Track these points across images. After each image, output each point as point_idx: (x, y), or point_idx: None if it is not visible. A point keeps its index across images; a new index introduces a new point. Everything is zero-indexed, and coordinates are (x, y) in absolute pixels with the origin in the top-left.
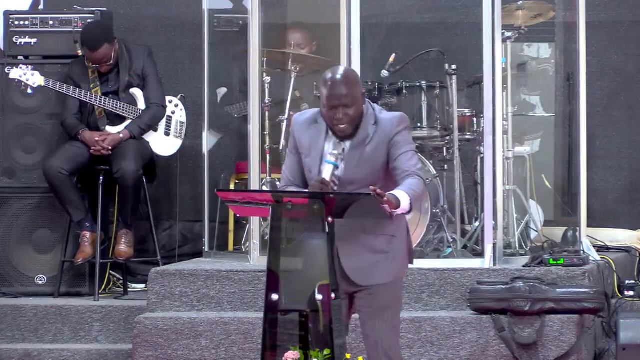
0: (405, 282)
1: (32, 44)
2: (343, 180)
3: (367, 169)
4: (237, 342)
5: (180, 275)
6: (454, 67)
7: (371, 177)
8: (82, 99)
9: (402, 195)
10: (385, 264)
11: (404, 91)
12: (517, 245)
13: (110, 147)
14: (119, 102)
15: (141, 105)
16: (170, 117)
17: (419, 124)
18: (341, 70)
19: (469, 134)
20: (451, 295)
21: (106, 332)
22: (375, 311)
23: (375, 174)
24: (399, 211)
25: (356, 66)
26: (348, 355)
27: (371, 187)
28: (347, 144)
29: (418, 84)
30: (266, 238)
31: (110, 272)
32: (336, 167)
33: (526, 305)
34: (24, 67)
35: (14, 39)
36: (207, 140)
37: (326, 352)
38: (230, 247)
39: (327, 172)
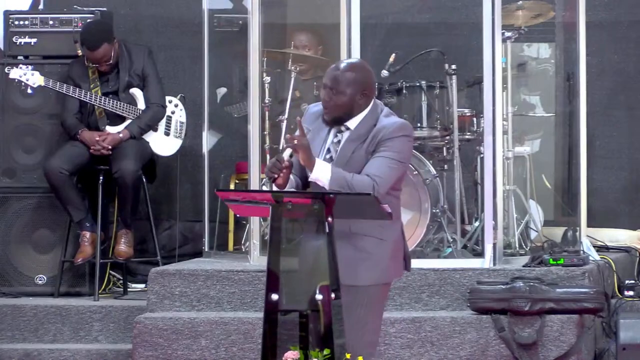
0: (405, 282)
1: (32, 43)
2: None
3: (355, 168)
4: (237, 342)
5: (180, 275)
6: (454, 67)
7: None
8: (82, 98)
9: (324, 164)
10: (365, 266)
11: (404, 91)
12: (517, 245)
13: (110, 147)
14: (118, 102)
15: (141, 105)
16: (170, 117)
17: (419, 124)
18: (354, 61)
19: (469, 134)
20: (451, 295)
21: (106, 332)
22: (347, 309)
23: None
24: (311, 176)
25: None
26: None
27: (288, 136)
28: (345, 136)
29: (418, 84)
30: (266, 238)
31: (110, 272)
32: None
33: (526, 305)
34: (23, 67)
35: (13, 39)
36: (207, 140)
37: (326, 352)
38: (230, 247)
39: (286, 152)
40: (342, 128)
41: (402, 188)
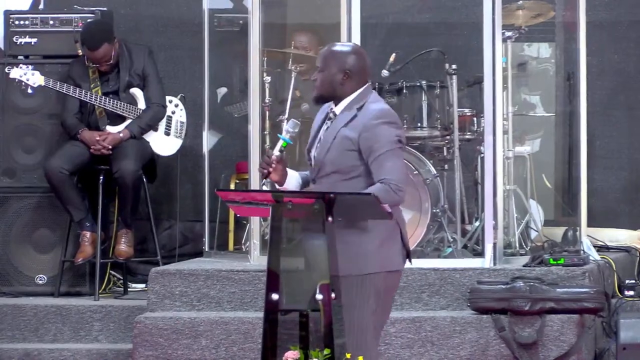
0: (406, 282)
1: (32, 43)
2: (316, 161)
3: (336, 153)
4: (237, 341)
5: (181, 275)
6: (454, 66)
7: (342, 164)
8: (82, 98)
9: None
10: (345, 256)
11: (404, 91)
12: (517, 245)
13: (110, 147)
14: (119, 102)
15: (141, 105)
16: (170, 117)
17: (419, 124)
18: (343, 43)
19: (469, 133)
20: (451, 295)
21: (106, 331)
22: (345, 308)
23: (347, 161)
24: None
25: None
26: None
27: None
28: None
29: (418, 84)
30: (266, 238)
31: (110, 271)
32: (288, 143)
33: (526, 305)
34: (24, 66)
35: (14, 39)
36: (207, 140)
37: (326, 352)
38: (231, 246)
39: (276, 147)
40: (331, 115)
41: None
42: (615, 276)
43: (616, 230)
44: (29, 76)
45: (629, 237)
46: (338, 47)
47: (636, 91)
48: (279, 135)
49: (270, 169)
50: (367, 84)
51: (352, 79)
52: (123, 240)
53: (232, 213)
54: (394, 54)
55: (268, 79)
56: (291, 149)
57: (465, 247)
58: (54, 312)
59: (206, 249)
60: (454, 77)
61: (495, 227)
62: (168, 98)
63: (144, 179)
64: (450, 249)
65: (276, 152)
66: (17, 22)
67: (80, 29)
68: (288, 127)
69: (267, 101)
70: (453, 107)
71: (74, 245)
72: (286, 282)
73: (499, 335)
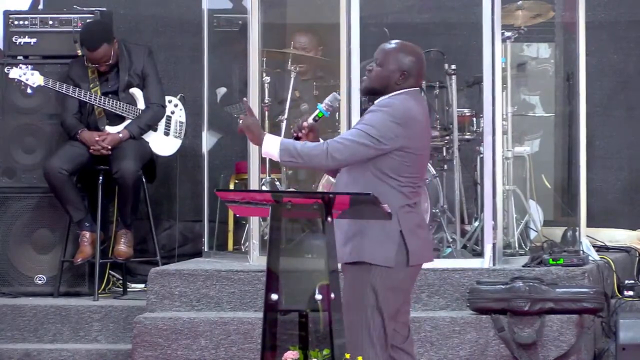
0: None
1: (32, 43)
2: None
3: None
4: (236, 342)
5: (180, 275)
6: (453, 67)
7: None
8: (81, 98)
9: (273, 138)
10: (337, 243)
11: None
12: (516, 245)
13: (109, 147)
14: (118, 102)
15: (141, 105)
16: (170, 117)
17: None
18: (407, 43)
19: (468, 134)
20: (451, 295)
21: (106, 332)
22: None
23: None
24: (262, 152)
25: (356, 66)
26: (347, 355)
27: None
28: None
29: None
30: (266, 238)
31: (110, 272)
32: (323, 114)
33: (526, 305)
34: (23, 66)
35: (13, 39)
36: (207, 140)
37: (326, 352)
38: (230, 247)
39: (312, 115)
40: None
41: (404, 180)
42: (615, 276)
43: (615, 230)
44: (29, 76)
45: (628, 238)
46: (400, 47)
47: (636, 91)
48: (317, 104)
49: (300, 134)
50: (414, 88)
51: (407, 81)
52: (122, 240)
53: (231, 213)
54: None
55: (267, 79)
56: None
57: (464, 247)
58: (54, 313)
59: (205, 249)
60: (454, 77)
61: (494, 228)
62: (167, 98)
63: (144, 179)
64: (449, 249)
65: (310, 120)
66: (16, 22)
67: (79, 29)
68: (328, 100)
69: (266, 101)
70: (452, 108)
71: (73, 246)
72: (285, 282)
73: (499, 336)
